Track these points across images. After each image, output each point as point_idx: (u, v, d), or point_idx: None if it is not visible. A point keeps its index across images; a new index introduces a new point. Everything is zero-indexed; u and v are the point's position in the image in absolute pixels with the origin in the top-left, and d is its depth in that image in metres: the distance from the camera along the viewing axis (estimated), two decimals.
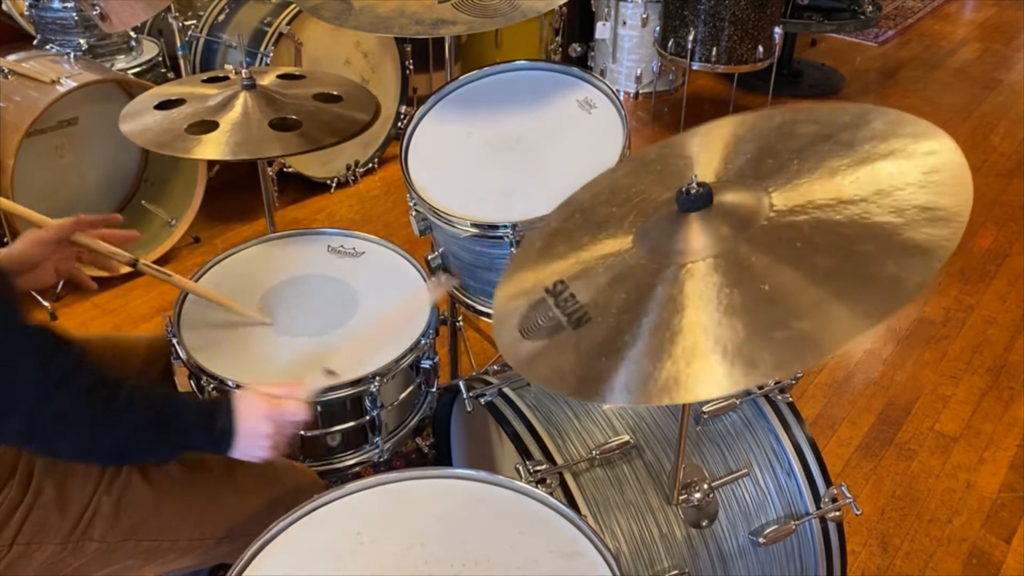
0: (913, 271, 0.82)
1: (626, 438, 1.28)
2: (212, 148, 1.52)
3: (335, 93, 1.70)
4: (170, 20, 2.88)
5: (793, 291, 0.86)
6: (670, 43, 3.59)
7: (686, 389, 0.84)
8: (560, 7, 3.54)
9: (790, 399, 1.38)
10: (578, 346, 0.95)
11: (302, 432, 1.44)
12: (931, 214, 0.86)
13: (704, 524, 1.27)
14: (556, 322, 1.00)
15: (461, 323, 2.08)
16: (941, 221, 0.85)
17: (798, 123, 1.09)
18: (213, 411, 1.14)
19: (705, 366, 0.85)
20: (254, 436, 1.14)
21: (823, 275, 0.86)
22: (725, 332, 0.86)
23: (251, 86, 1.63)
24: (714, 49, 3.49)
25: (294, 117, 1.59)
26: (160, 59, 3.15)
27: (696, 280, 0.93)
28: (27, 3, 3.00)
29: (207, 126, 1.56)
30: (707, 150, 1.15)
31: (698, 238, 0.97)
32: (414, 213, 1.60)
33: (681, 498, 1.25)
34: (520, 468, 1.23)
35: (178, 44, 2.94)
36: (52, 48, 2.94)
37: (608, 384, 0.89)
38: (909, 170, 0.92)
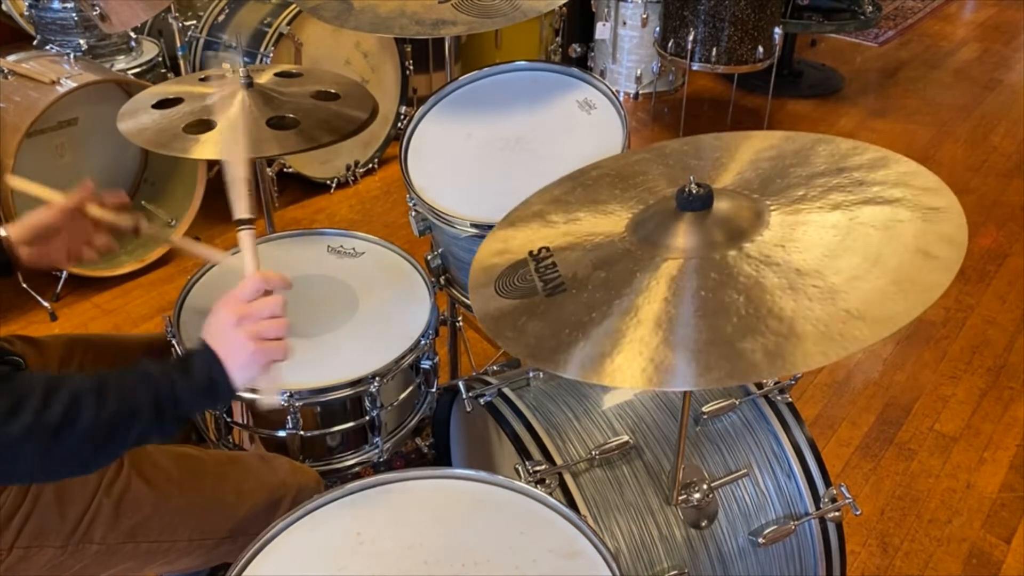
0: (887, 314, 0.84)
1: (625, 438, 1.28)
2: (210, 148, 1.52)
3: (333, 91, 1.70)
4: (170, 20, 2.88)
5: (765, 308, 0.88)
6: (670, 43, 3.59)
7: (636, 376, 0.86)
8: (560, 7, 3.53)
9: (789, 399, 1.38)
10: (547, 314, 0.97)
11: (302, 433, 1.44)
12: (920, 264, 0.88)
13: (704, 525, 1.27)
14: (531, 286, 1.01)
15: (461, 323, 2.08)
16: (929, 271, 0.86)
17: (817, 153, 1.10)
18: (181, 364, 1.00)
19: (663, 359, 0.86)
20: (239, 355, 1.00)
21: (798, 299, 0.87)
22: (690, 332, 0.88)
23: (248, 85, 1.63)
24: (714, 49, 3.49)
25: (292, 116, 1.59)
26: (160, 59, 3.15)
27: (676, 277, 0.94)
28: (27, 3, 3.00)
29: (205, 125, 1.56)
30: (724, 156, 1.16)
31: (689, 238, 0.99)
32: (414, 213, 1.60)
33: (681, 498, 1.25)
34: (519, 468, 1.23)
35: (178, 44, 2.93)
36: (52, 48, 2.93)
37: (565, 355, 0.91)
38: (909, 219, 0.95)
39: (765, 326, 0.86)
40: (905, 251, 0.90)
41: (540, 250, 1.07)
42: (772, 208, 1.01)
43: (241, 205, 1.14)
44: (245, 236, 1.13)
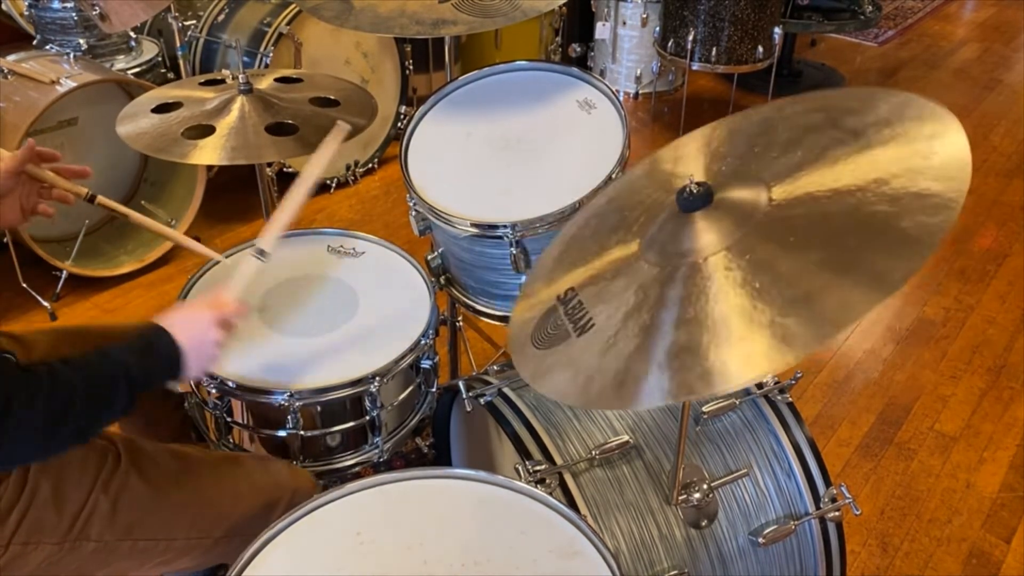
0: (901, 262, 0.82)
1: (625, 438, 1.28)
2: (209, 153, 1.52)
3: (332, 97, 1.69)
4: (170, 20, 2.88)
5: (784, 286, 0.86)
6: (670, 43, 3.59)
7: (677, 390, 0.85)
8: (560, 7, 3.54)
9: (790, 399, 1.38)
10: (581, 353, 0.95)
11: (302, 432, 1.44)
12: (925, 201, 0.85)
13: (704, 524, 1.27)
14: (563, 330, 1.00)
15: (461, 323, 2.08)
16: (934, 208, 0.84)
17: (807, 112, 1.08)
18: (148, 347, 1.13)
19: (698, 366, 0.85)
20: (203, 348, 1.16)
21: (813, 269, 0.86)
22: (721, 331, 0.86)
23: (248, 90, 1.63)
24: (714, 49, 3.49)
25: (291, 122, 1.59)
26: (160, 59, 3.15)
27: (696, 281, 0.93)
28: (27, 3, 3.00)
29: (204, 130, 1.56)
30: (716, 146, 1.14)
31: (699, 237, 0.97)
32: (414, 213, 1.60)
33: (681, 498, 1.25)
34: (520, 468, 1.23)
35: (178, 44, 2.94)
36: (52, 48, 2.93)
37: (604, 389, 0.89)
38: (909, 155, 0.91)
39: (784, 304, 0.84)
40: (908, 190, 0.87)
41: (567, 292, 1.06)
42: (772, 182, 0.98)
43: (270, 238, 1.29)
44: (253, 263, 1.27)
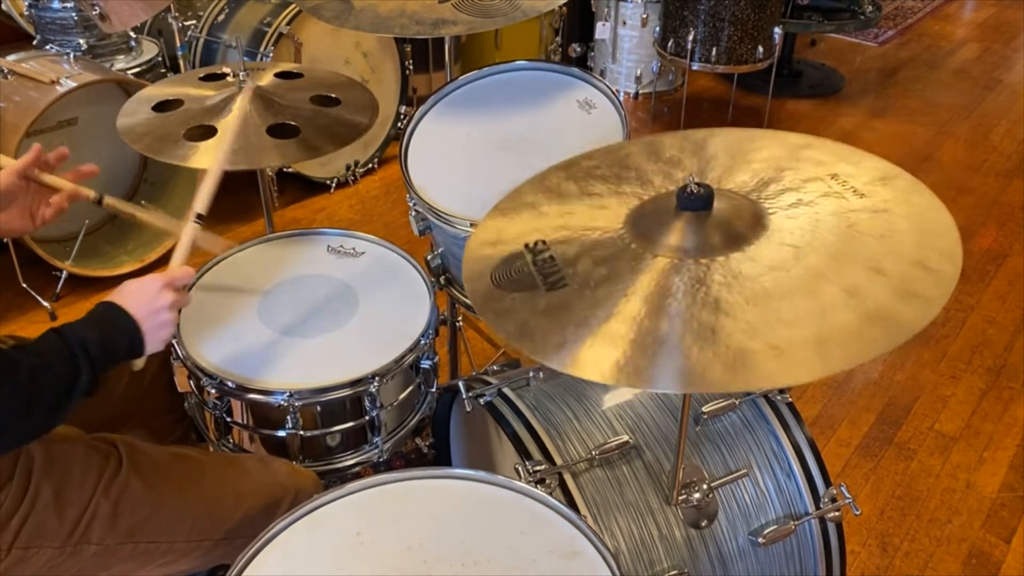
0: (873, 338, 0.83)
1: (625, 438, 1.28)
2: (210, 156, 1.52)
3: (333, 96, 1.69)
4: (170, 20, 2.88)
5: (743, 315, 0.88)
6: (670, 43, 3.59)
7: (644, 377, 0.87)
8: (560, 7, 3.54)
9: (789, 399, 1.38)
10: (550, 309, 0.96)
11: (301, 432, 1.44)
12: (911, 289, 0.87)
13: (704, 524, 1.27)
14: (531, 280, 1.01)
15: (461, 323, 2.08)
16: (919, 299, 0.86)
17: (809, 157, 1.10)
18: (101, 320, 1.14)
19: (659, 359, 0.86)
20: (156, 315, 1.17)
21: (781, 315, 0.87)
22: (681, 333, 0.88)
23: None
24: (714, 49, 3.49)
25: (292, 123, 1.59)
26: (160, 59, 3.14)
27: (671, 276, 0.95)
28: (27, 3, 3.00)
29: (205, 131, 1.56)
30: (724, 155, 1.15)
31: (687, 237, 0.98)
32: (414, 213, 1.60)
33: (680, 498, 1.25)
34: (519, 468, 1.23)
35: (178, 44, 2.94)
36: (52, 48, 2.93)
37: (573, 353, 0.90)
38: (909, 237, 0.94)
39: (734, 334, 0.86)
40: (900, 272, 0.90)
41: (536, 243, 1.06)
42: (771, 211, 1.01)
43: (202, 201, 1.37)
44: (191, 230, 1.34)
